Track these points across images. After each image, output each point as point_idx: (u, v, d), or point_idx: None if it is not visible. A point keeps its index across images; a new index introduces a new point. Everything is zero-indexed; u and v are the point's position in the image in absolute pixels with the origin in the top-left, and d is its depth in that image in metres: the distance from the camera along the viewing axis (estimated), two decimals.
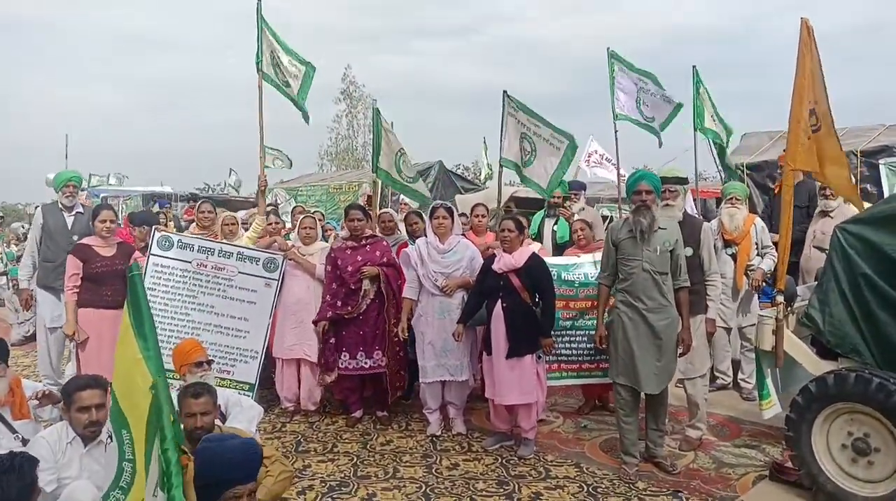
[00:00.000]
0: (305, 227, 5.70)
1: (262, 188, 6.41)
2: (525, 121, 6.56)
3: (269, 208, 9.64)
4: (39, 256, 5.87)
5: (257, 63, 6.23)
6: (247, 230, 6.19)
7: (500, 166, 6.92)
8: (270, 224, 6.16)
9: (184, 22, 70.90)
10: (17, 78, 73.64)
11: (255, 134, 6.24)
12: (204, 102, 71.41)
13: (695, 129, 6.56)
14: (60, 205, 5.97)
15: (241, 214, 7.25)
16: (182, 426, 3.37)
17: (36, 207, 7.90)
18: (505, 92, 6.73)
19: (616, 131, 7.03)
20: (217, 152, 64.77)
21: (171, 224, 10.38)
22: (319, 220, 7.02)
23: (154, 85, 68.52)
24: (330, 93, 37.32)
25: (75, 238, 5.72)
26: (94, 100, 72.60)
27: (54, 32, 75.81)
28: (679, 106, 6.84)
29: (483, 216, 6.22)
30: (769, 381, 4.45)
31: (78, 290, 5.19)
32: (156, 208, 13.24)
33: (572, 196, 7.12)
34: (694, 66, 6.61)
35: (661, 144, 7.03)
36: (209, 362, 4.27)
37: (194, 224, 6.31)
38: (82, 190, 20.37)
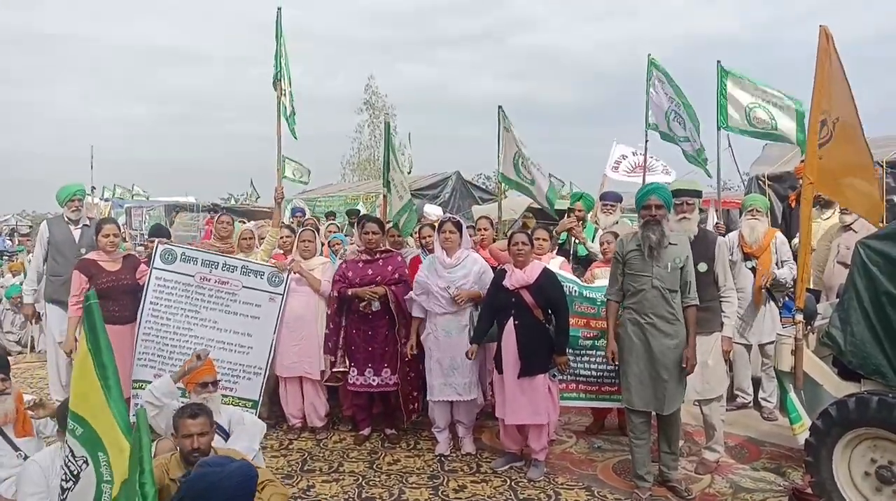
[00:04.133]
0: (304, 240, 5.58)
1: (279, 200, 6.32)
2: (517, 138, 6.65)
3: (303, 219, 9.45)
4: (46, 271, 5.86)
5: (276, 75, 6.15)
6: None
7: (499, 181, 6.90)
8: (283, 238, 6.05)
9: (207, 35, 72.23)
10: (47, 90, 75.36)
11: (274, 144, 6.17)
12: (228, 113, 72.51)
13: (718, 129, 6.21)
14: (66, 219, 5.94)
15: (250, 225, 7.18)
16: (179, 448, 3.33)
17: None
18: (500, 107, 6.71)
19: (647, 140, 6.82)
20: (242, 162, 65.71)
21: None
22: (331, 231, 6.96)
23: (179, 96, 69.76)
24: (352, 103, 37.57)
25: (83, 251, 5.69)
26: (120, 112, 74.23)
27: (84, 47, 77.59)
28: (700, 152, 6.67)
29: (486, 230, 6.08)
30: (798, 403, 4.27)
31: (82, 306, 5.14)
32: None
33: (607, 208, 6.65)
34: (718, 62, 6.22)
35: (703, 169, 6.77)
36: (215, 383, 4.18)
37: (212, 236, 6.27)
38: (105, 200, 20.81)
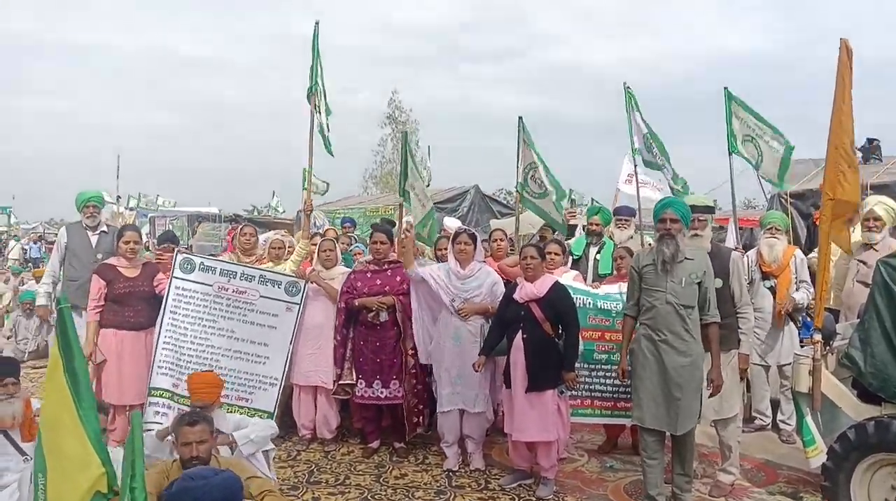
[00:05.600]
0: (325, 250, 5.58)
1: (308, 212, 6.25)
2: (532, 154, 6.69)
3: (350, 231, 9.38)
4: (63, 275, 5.92)
5: (311, 88, 6.08)
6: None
7: (517, 192, 6.90)
8: (315, 245, 5.98)
9: (232, 45, 73.66)
10: (75, 97, 77.34)
11: (297, 154, 6.18)
12: (252, 123, 73.67)
13: (729, 153, 6.25)
14: (84, 225, 6.02)
15: (269, 234, 7.17)
16: (179, 455, 3.32)
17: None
18: (520, 118, 6.67)
19: (635, 165, 6.95)
20: (264, 173, 66.46)
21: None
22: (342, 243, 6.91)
23: (204, 106, 71.02)
24: (374, 117, 37.82)
25: (100, 256, 5.75)
26: (146, 121, 75.86)
27: (111, 56, 79.57)
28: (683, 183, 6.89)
29: (501, 240, 6.04)
30: (813, 426, 4.15)
31: (101, 310, 5.17)
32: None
33: (621, 222, 6.68)
34: (726, 88, 6.28)
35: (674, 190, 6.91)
36: (203, 407, 4.13)
37: (232, 251, 6.10)
38: (130, 209, 21.09)
